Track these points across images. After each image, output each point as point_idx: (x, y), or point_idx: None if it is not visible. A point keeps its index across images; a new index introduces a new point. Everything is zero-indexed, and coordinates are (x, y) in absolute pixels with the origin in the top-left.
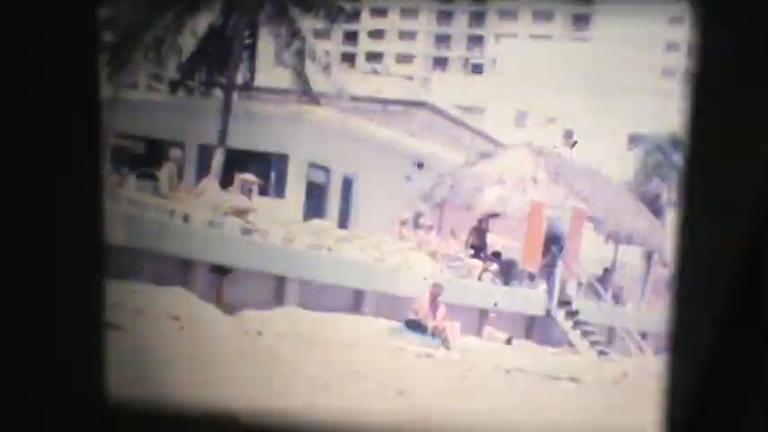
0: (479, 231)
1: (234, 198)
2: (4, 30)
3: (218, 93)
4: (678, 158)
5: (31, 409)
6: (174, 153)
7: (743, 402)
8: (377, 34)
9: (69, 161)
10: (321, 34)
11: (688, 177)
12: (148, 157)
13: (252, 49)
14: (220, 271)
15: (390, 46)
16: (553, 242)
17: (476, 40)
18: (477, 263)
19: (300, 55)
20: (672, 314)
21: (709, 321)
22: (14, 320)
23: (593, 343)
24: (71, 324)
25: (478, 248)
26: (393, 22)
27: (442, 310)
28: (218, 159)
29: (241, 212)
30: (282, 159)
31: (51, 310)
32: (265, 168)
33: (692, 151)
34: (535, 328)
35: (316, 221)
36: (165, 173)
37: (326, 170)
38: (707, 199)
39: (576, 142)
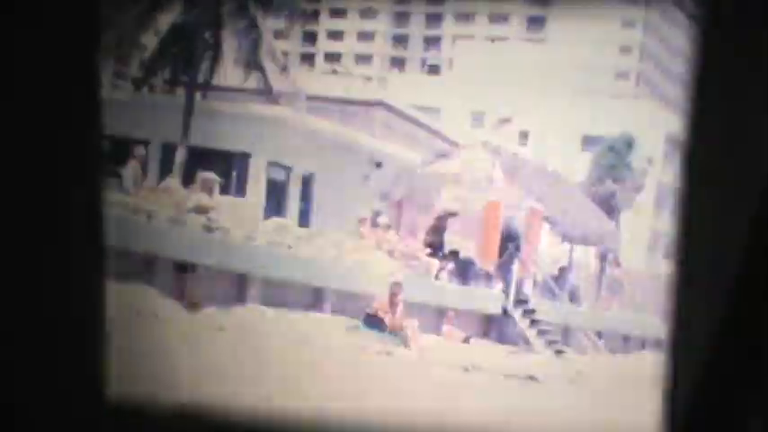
0: (437, 230)
1: (196, 196)
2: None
3: (180, 91)
4: (631, 159)
5: (29, 408)
6: (138, 151)
7: (744, 403)
8: (335, 35)
9: (69, 159)
10: (281, 34)
11: (687, 178)
12: (112, 155)
13: (214, 48)
14: (183, 268)
15: (349, 46)
16: (509, 241)
17: (433, 41)
18: (435, 262)
19: (261, 55)
20: (672, 313)
21: (709, 321)
22: (14, 319)
23: (549, 342)
24: (71, 323)
25: (436, 247)
26: (352, 22)
27: (400, 309)
28: (180, 157)
29: (203, 210)
30: (243, 158)
31: (51, 309)
32: (227, 167)
33: (692, 152)
34: (492, 327)
35: (276, 220)
36: (129, 171)
37: (287, 169)
38: (707, 197)
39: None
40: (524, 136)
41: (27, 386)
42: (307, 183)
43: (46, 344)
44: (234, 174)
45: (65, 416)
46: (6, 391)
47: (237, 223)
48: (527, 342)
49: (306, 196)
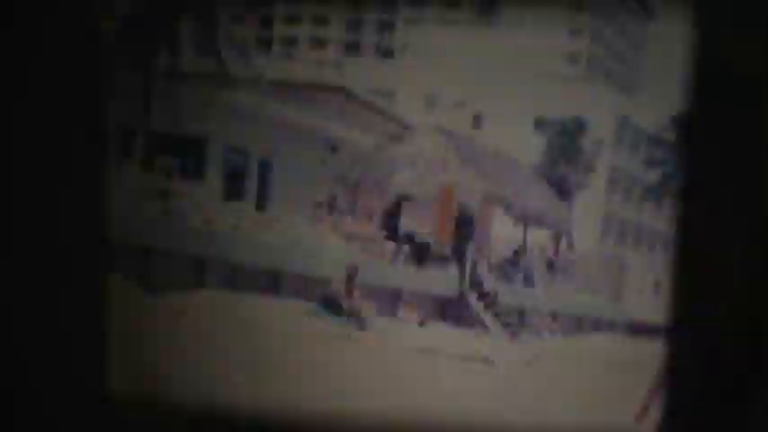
0: (391, 213)
1: (155, 180)
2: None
3: (140, 76)
4: (582, 142)
5: (34, 404)
6: None
7: (744, 399)
8: (291, 20)
9: (72, 161)
10: (238, 20)
11: (687, 179)
12: None
13: (172, 34)
14: (144, 252)
15: (305, 31)
16: (464, 225)
17: (387, 26)
18: (391, 245)
19: (219, 41)
20: (672, 312)
21: (709, 319)
22: (16, 319)
23: (505, 324)
24: (72, 322)
25: (391, 230)
26: (307, 7)
27: (357, 292)
28: (139, 142)
29: (162, 195)
30: (202, 143)
31: (52, 309)
32: (186, 151)
33: (691, 152)
34: (449, 310)
35: (234, 204)
36: None
37: (245, 153)
38: (708, 195)
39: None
40: (478, 119)
41: (28, 386)
42: (264, 167)
43: (47, 340)
44: (193, 158)
45: (66, 410)
46: (7, 390)
47: (196, 208)
48: (483, 325)
49: (263, 180)
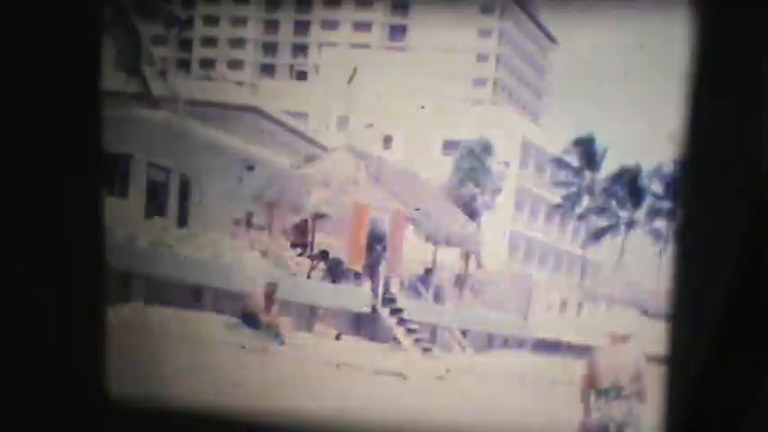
0: (301, 230)
1: None
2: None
3: None
4: (489, 163)
5: (35, 406)
6: None
7: (743, 402)
8: (209, 41)
9: (70, 166)
10: (158, 41)
11: (686, 180)
12: None
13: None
14: None
15: (222, 53)
16: (376, 242)
17: (300, 49)
18: (307, 261)
19: (141, 60)
20: (672, 313)
21: (708, 321)
22: (17, 319)
23: (417, 340)
24: (72, 323)
25: (301, 246)
26: (224, 30)
27: (275, 307)
28: None
29: None
30: (125, 159)
31: (53, 310)
32: (109, 168)
33: (691, 152)
34: (363, 325)
35: (157, 220)
36: None
37: (166, 170)
38: (705, 199)
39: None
40: (388, 140)
41: (28, 386)
42: (185, 184)
43: (48, 342)
44: (116, 175)
45: (66, 411)
46: (8, 390)
47: (120, 223)
48: (396, 340)
49: (184, 197)
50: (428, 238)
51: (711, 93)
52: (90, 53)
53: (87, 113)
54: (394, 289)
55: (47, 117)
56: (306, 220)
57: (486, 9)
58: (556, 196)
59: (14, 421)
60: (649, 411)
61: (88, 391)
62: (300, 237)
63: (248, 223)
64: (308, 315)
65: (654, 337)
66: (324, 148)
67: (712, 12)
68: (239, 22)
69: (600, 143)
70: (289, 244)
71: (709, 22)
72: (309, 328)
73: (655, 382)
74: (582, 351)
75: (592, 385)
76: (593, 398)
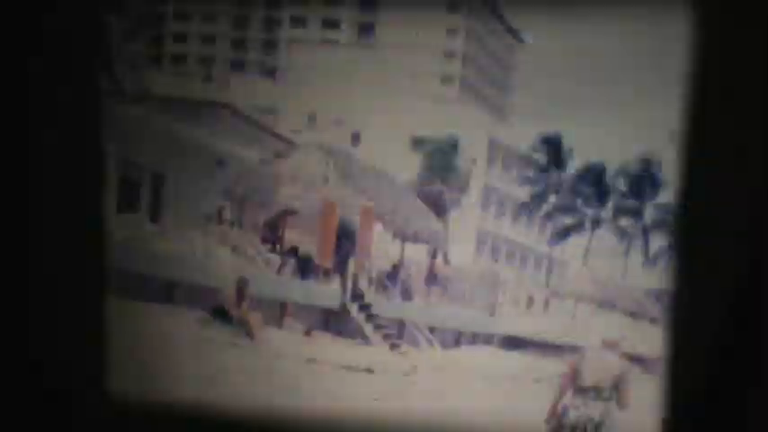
0: (271, 226)
1: None
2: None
3: None
4: (456, 160)
5: (37, 406)
6: None
7: (743, 402)
8: (180, 37)
9: (71, 165)
10: (130, 36)
11: (686, 180)
12: None
13: None
14: None
15: (192, 49)
16: (345, 239)
17: (270, 45)
18: (277, 257)
19: (112, 56)
20: (671, 315)
21: (708, 324)
22: (18, 319)
23: (385, 336)
24: (72, 323)
25: (272, 242)
26: (195, 26)
27: (246, 302)
28: None
29: None
30: None
31: (53, 310)
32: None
33: (691, 152)
34: (332, 321)
35: (129, 215)
36: None
37: (138, 166)
38: (705, 200)
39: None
40: (356, 137)
41: (29, 386)
42: (157, 179)
43: (47, 342)
44: None
45: (67, 411)
46: (8, 389)
47: None
48: (364, 336)
49: (156, 193)
50: (396, 235)
51: (712, 93)
52: (89, 47)
53: (88, 110)
54: (362, 285)
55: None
56: (278, 217)
57: (454, 8)
58: (523, 194)
59: (14, 421)
60: (628, 416)
61: (88, 390)
62: (273, 233)
63: (219, 219)
64: (278, 311)
65: (633, 337)
66: (293, 145)
67: (712, 11)
68: (210, 18)
69: (566, 142)
70: (259, 240)
71: (709, 22)
72: (279, 324)
73: (637, 388)
74: (549, 348)
75: (574, 381)
76: (572, 395)
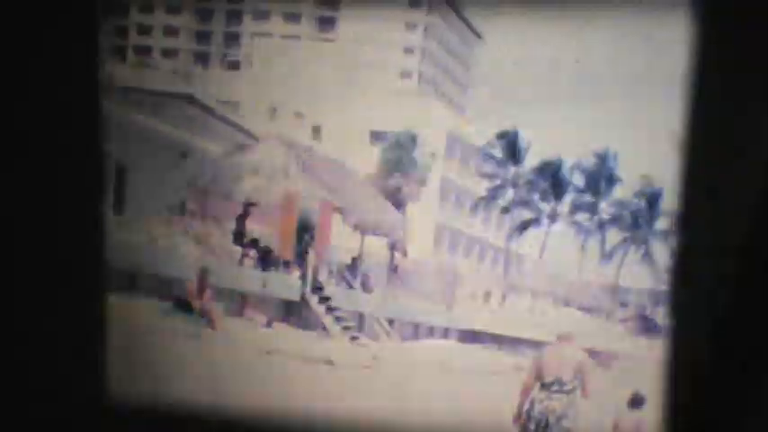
0: (239, 218)
1: None
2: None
3: None
4: (415, 154)
5: (32, 408)
6: None
7: (743, 402)
8: (144, 29)
9: (71, 167)
10: None
11: (686, 181)
12: None
13: None
14: None
15: (157, 41)
16: (305, 231)
17: (233, 38)
18: (238, 249)
19: None
20: (671, 314)
21: (708, 321)
22: (16, 320)
23: (345, 328)
24: (71, 324)
25: (238, 235)
26: (158, 18)
27: (207, 293)
28: None
29: None
30: None
31: (52, 310)
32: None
33: (690, 154)
34: (292, 313)
35: None
36: None
37: None
38: (705, 198)
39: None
40: (317, 130)
41: (29, 386)
42: (120, 171)
43: (46, 343)
44: None
45: (65, 413)
46: (8, 389)
47: None
48: (324, 328)
49: (120, 183)
50: (356, 228)
51: (712, 93)
52: (88, 44)
53: (87, 107)
54: (322, 277)
55: (45, 110)
56: (239, 209)
57: (414, 3)
58: (480, 188)
59: (14, 421)
60: (590, 406)
61: (88, 391)
62: (237, 225)
63: (182, 210)
64: (240, 302)
65: (588, 332)
66: (255, 138)
67: (712, 11)
68: (173, 9)
69: (523, 137)
70: (222, 231)
71: (709, 22)
72: (240, 315)
73: (596, 378)
74: (506, 341)
75: (537, 379)
76: (536, 390)
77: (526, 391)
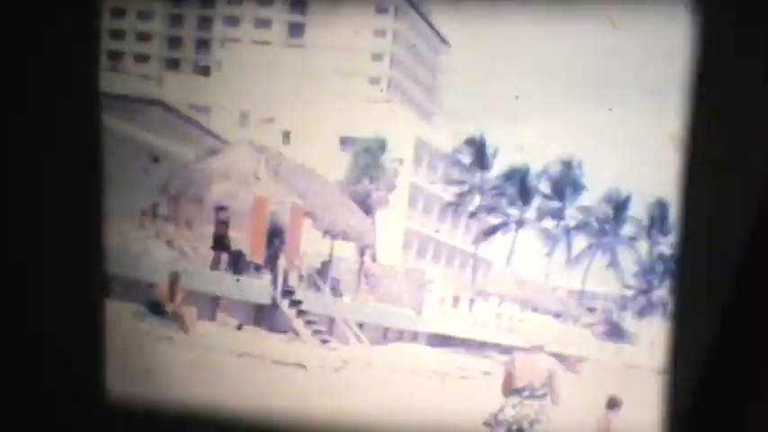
0: (210, 223)
1: None
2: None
3: None
4: (384, 160)
5: (34, 408)
6: None
7: (743, 402)
8: (116, 34)
9: (69, 164)
10: None
11: (686, 181)
12: None
13: None
14: None
15: (128, 46)
16: (275, 235)
17: (203, 44)
18: (210, 252)
19: None
20: (672, 313)
21: (709, 321)
22: (16, 320)
23: (315, 332)
24: (71, 324)
25: (210, 239)
26: (130, 23)
27: (180, 296)
28: None
29: None
30: None
31: (52, 311)
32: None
33: (690, 153)
34: (263, 316)
35: None
36: None
37: None
38: (706, 199)
39: None
40: (286, 136)
41: (29, 385)
42: None
43: (46, 343)
44: None
45: (65, 413)
46: (7, 390)
47: None
48: (295, 332)
49: None
50: (325, 233)
51: (712, 93)
52: (87, 46)
53: (87, 108)
54: (293, 281)
55: (42, 114)
56: (211, 213)
57: (381, 10)
58: (449, 193)
59: (14, 421)
60: (560, 411)
61: (88, 390)
62: (206, 229)
63: (154, 214)
64: (211, 305)
65: (556, 337)
66: (226, 143)
67: (712, 10)
68: (145, 15)
69: (490, 143)
70: (193, 235)
71: (709, 22)
72: (212, 318)
73: (565, 383)
74: (474, 346)
75: (509, 385)
76: (509, 396)
77: (503, 395)
